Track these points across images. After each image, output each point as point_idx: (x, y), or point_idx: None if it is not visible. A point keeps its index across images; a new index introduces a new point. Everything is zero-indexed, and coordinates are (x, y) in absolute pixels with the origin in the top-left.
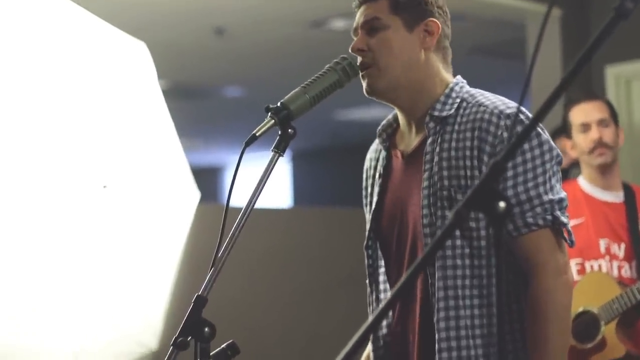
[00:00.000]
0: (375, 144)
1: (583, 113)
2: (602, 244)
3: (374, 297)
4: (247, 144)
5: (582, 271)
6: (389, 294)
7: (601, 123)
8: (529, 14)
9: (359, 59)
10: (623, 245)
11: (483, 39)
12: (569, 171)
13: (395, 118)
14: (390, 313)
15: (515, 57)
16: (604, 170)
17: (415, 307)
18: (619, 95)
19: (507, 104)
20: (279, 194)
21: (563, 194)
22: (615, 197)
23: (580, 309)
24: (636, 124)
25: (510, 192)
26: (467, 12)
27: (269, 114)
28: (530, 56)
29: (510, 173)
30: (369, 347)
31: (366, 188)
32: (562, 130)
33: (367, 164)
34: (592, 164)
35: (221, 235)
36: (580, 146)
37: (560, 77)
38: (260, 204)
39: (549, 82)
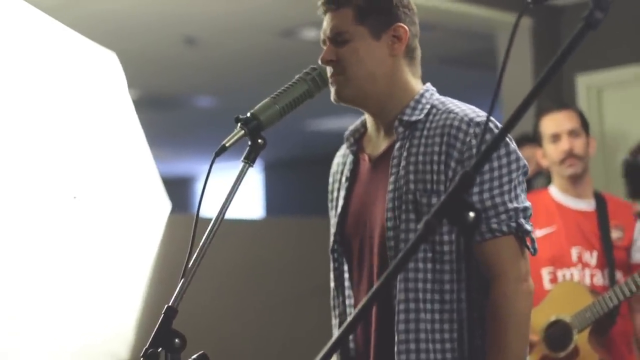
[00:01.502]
0: (343, 149)
1: (554, 123)
2: (574, 252)
3: (339, 300)
4: (217, 155)
5: (554, 280)
6: (352, 300)
7: (572, 133)
8: (500, 24)
9: (329, 69)
10: (595, 253)
11: (453, 49)
12: (534, 181)
13: (363, 123)
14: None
15: (486, 67)
16: (575, 180)
17: (372, 309)
18: (590, 105)
19: (477, 112)
20: (251, 204)
21: (527, 203)
22: (587, 205)
23: (553, 318)
24: (608, 133)
25: (475, 198)
26: (437, 23)
27: (239, 124)
28: (500, 66)
29: (476, 180)
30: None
31: (332, 192)
32: (528, 138)
33: (333, 168)
34: (563, 175)
35: (191, 246)
36: (550, 156)
37: (531, 87)
38: (231, 214)
39: (520, 92)
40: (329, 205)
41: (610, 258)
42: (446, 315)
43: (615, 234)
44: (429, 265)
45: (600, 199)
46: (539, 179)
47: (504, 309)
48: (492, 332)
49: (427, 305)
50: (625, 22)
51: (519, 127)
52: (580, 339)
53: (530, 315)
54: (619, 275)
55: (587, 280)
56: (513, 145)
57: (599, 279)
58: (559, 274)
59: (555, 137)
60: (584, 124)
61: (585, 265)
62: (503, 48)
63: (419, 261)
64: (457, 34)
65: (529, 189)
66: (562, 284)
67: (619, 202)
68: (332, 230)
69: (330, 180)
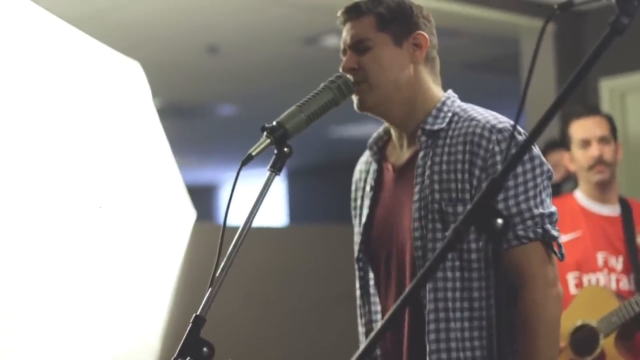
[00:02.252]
0: (365, 157)
1: (584, 129)
2: (600, 257)
3: (366, 309)
4: (243, 164)
5: (579, 285)
6: (379, 307)
7: (602, 140)
8: (523, 29)
9: (351, 77)
10: (621, 258)
11: (476, 55)
12: (563, 185)
13: (387, 131)
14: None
15: (509, 72)
16: (602, 186)
17: (404, 320)
18: (614, 109)
19: (498, 119)
20: (275, 212)
21: (553, 208)
22: (612, 210)
23: (579, 323)
24: (631, 137)
25: (501, 205)
26: (460, 28)
27: (265, 133)
28: (524, 71)
29: None
30: None
31: (355, 200)
32: (557, 144)
33: (356, 175)
34: (591, 181)
35: (219, 255)
36: (579, 161)
37: (554, 92)
38: (256, 222)
39: (543, 97)
40: (353, 213)
41: (636, 263)
42: (476, 323)
43: None
44: (457, 274)
45: (625, 204)
46: (568, 183)
47: (533, 315)
48: (523, 339)
49: (457, 314)
50: None
51: (546, 132)
52: (607, 343)
53: (560, 321)
54: None
55: (613, 285)
56: (537, 150)
57: (625, 284)
58: (585, 278)
59: (585, 143)
60: (613, 130)
61: (611, 270)
62: (526, 53)
63: (447, 270)
64: (480, 39)
65: (558, 193)
66: (587, 288)
67: None
68: (357, 239)
69: (353, 188)
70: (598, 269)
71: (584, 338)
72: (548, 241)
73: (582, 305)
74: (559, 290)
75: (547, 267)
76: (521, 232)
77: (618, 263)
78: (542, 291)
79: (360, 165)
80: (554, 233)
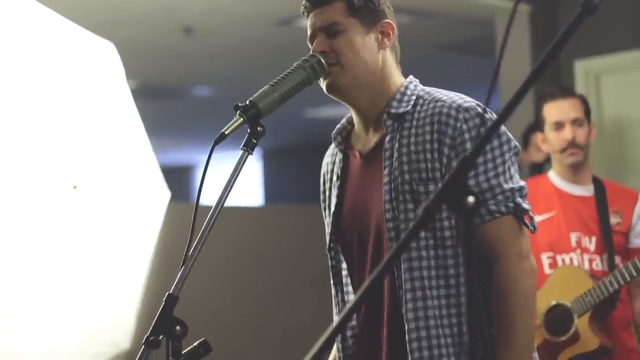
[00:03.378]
0: (331, 149)
1: (557, 111)
2: (573, 237)
3: (339, 297)
4: (216, 143)
5: (553, 265)
6: (352, 296)
7: (575, 122)
8: (498, 10)
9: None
10: (594, 238)
11: (452, 36)
12: (544, 165)
13: (349, 121)
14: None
15: (485, 54)
16: (575, 168)
17: (382, 302)
18: (589, 90)
19: (464, 99)
20: (250, 192)
21: (522, 183)
22: (586, 190)
23: (553, 302)
24: (606, 118)
25: (471, 182)
26: (436, 10)
27: (238, 112)
28: (499, 53)
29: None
30: (335, 349)
31: (324, 192)
32: (537, 127)
33: (324, 168)
34: (564, 163)
35: (191, 234)
36: (552, 143)
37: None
38: (231, 202)
39: (518, 78)
40: (322, 205)
41: (609, 243)
42: (453, 300)
43: (614, 219)
44: (432, 252)
45: (599, 185)
46: (549, 163)
47: (508, 288)
48: (499, 313)
49: (434, 292)
50: (623, 8)
51: (529, 115)
52: (581, 323)
53: (535, 292)
54: (617, 260)
55: (586, 265)
56: (503, 127)
57: (598, 264)
58: (559, 258)
59: (559, 125)
60: (587, 112)
61: (584, 250)
62: (501, 34)
63: (422, 249)
64: (456, 20)
65: (540, 172)
66: (561, 268)
67: (617, 187)
68: (327, 229)
69: (321, 180)
70: (571, 249)
71: (558, 318)
72: (519, 214)
73: (556, 285)
74: (532, 262)
75: (519, 240)
76: (493, 207)
77: (591, 244)
78: (516, 264)
79: (326, 158)
80: (525, 206)
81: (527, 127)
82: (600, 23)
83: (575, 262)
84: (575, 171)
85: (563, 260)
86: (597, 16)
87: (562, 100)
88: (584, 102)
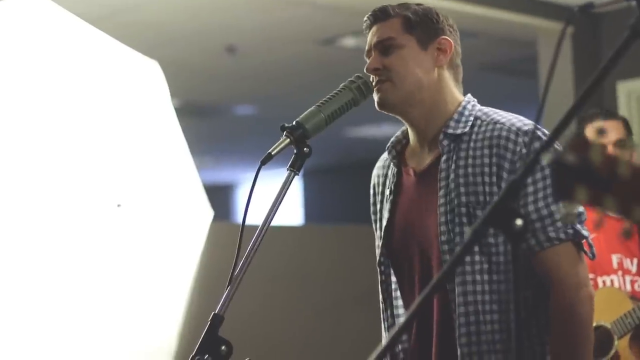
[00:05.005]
0: (382, 160)
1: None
2: (615, 259)
3: (388, 313)
4: (263, 163)
5: (594, 287)
6: (401, 311)
7: (617, 144)
8: (540, 31)
9: (374, 78)
10: (635, 260)
11: (494, 56)
12: None
13: (405, 134)
14: (407, 331)
15: (527, 74)
16: None
17: (432, 324)
18: (631, 111)
19: (522, 121)
20: (291, 211)
21: (581, 208)
22: None
23: (594, 324)
24: None
25: (531, 208)
26: (478, 30)
27: (285, 132)
28: (541, 73)
29: (530, 189)
30: None
31: (374, 204)
32: None
33: (374, 179)
34: None
35: (237, 253)
36: None
37: (572, 94)
38: (274, 221)
39: (561, 99)
40: (372, 217)
41: None
42: (506, 325)
43: None
44: (486, 277)
45: None
46: None
47: (566, 316)
48: (557, 341)
49: (487, 317)
50: None
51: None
52: (621, 345)
53: (592, 320)
54: None
55: (628, 287)
56: None
57: None
58: (599, 280)
59: None
60: (629, 134)
61: (625, 272)
62: (544, 55)
63: (476, 273)
64: (499, 41)
65: None
66: (602, 290)
67: None
68: (378, 242)
69: (372, 192)
70: (612, 271)
71: (599, 339)
72: (578, 241)
73: (597, 307)
74: (590, 290)
75: (578, 268)
76: (552, 234)
77: (633, 265)
78: (575, 292)
79: (377, 170)
80: (584, 232)
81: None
82: None
83: (617, 284)
84: None
85: (604, 282)
86: None
87: (605, 121)
88: (627, 124)
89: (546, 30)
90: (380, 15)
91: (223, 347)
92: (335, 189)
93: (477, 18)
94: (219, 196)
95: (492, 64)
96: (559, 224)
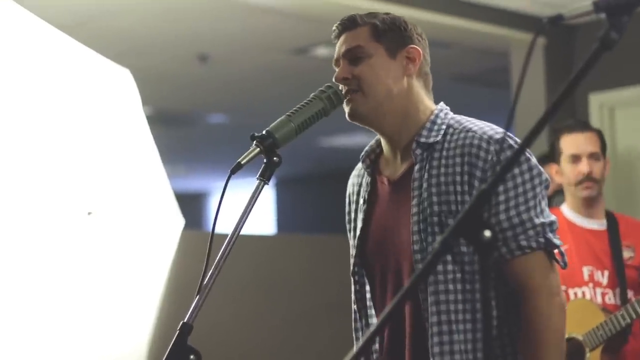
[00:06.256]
0: (357, 170)
1: (575, 144)
2: (586, 271)
3: (363, 322)
4: (233, 172)
5: (566, 299)
6: (375, 320)
7: (592, 156)
8: (513, 42)
9: (343, 87)
10: (607, 273)
11: (467, 67)
12: (552, 198)
13: (379, 144)
14: (379, 340)
15: (499, 85)
16: (589, 202)
17: (405, 334)
18: (603, 123)
19: (494, 129)
20: (263, 220)
21: (553, 217)
22: (599, 224)
23: (565, 336)
24: (620, 152)
25: (502, 216)
26: (451, 40)
27: (254, 142)
28: (514, 84)
29: (502, 197)
30: None
31: (349, 213)
32: (551, 158)
33: (349, 189)
34: (578, 196)
35: (207, 262)
36: (567, 176)
37: (544, 105)
38: (244, 230)
39: (533, 109)
40: (347, 227)
41: (622, 277)
42: (479, 335)
43: (626, 254)
44: (459, 286)
45: (611, 219)
46: (558, 196)
47: (538, 325)
48: (528, 349)
49: (460, 326)
50: (638, 41)
51: (537, 147)
52: (593, 357)
53: (564, 330)
54: (630, 294)
55: (599, 299)
56: (534, 160)
57: (611, 298)
58: (571, 292)
59: (575, 158)
60: (603, 146)
61: (596, 284)
62: (517, 66)
63: (449, 282)
64: (471, 51)
65: (549, 206)
66: (574, 302)
67: (630, 221)
68: (352, 252)
69: (347, 201)
70: (584, 283)
71: (570, 351)
72: (550, 250)
73: (569, 319)
74: (562, 299)
75: (550, 277)
76: (524, 242)
77: (604, 277)
78: (547, 301)
79: (353, 179)
80: (556, 241)
81: (538, 158)
82: (615, 56)
83: (588, 296)
84: (588, 205)
85: (575, 294)
86: (613, 49)
87: (580, 133)
88: (601, 137)
89: (519, 41)
90: (348, 24)
91: (192, 356)
92: (308, 199)
93: (450, 29)
94: (191, 205)
95: (464, 75)
96: (531, 232)
